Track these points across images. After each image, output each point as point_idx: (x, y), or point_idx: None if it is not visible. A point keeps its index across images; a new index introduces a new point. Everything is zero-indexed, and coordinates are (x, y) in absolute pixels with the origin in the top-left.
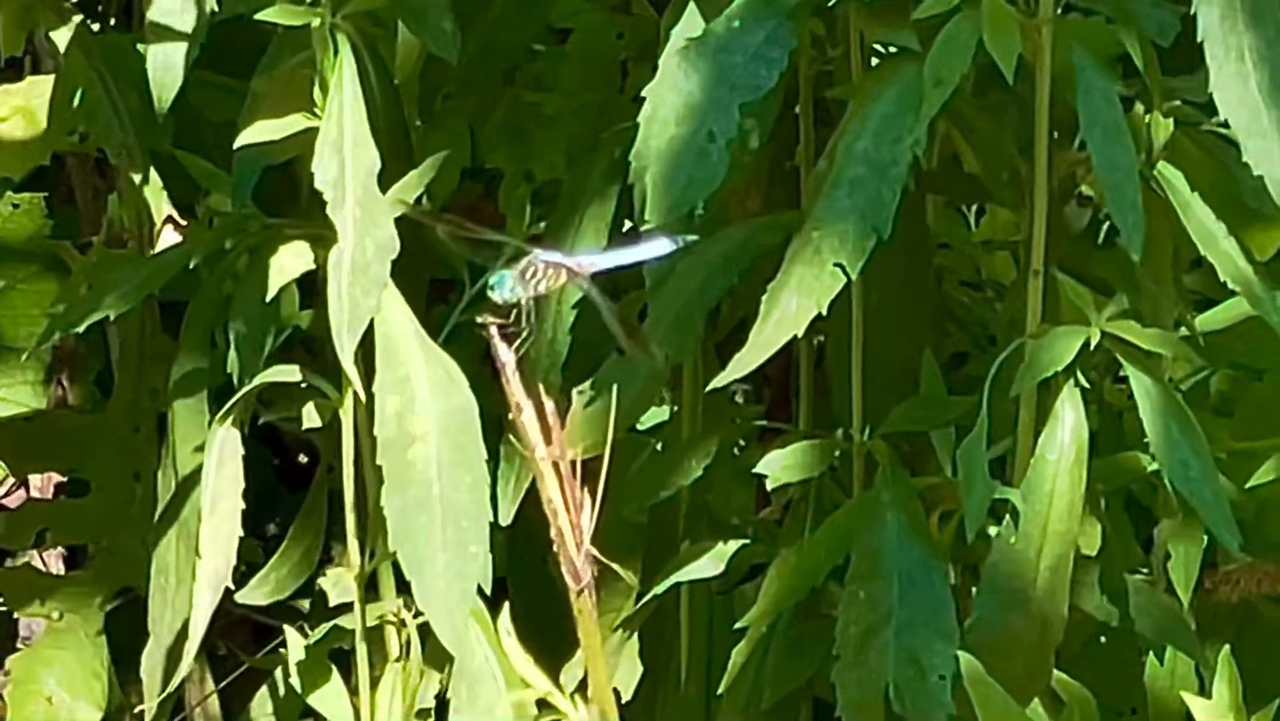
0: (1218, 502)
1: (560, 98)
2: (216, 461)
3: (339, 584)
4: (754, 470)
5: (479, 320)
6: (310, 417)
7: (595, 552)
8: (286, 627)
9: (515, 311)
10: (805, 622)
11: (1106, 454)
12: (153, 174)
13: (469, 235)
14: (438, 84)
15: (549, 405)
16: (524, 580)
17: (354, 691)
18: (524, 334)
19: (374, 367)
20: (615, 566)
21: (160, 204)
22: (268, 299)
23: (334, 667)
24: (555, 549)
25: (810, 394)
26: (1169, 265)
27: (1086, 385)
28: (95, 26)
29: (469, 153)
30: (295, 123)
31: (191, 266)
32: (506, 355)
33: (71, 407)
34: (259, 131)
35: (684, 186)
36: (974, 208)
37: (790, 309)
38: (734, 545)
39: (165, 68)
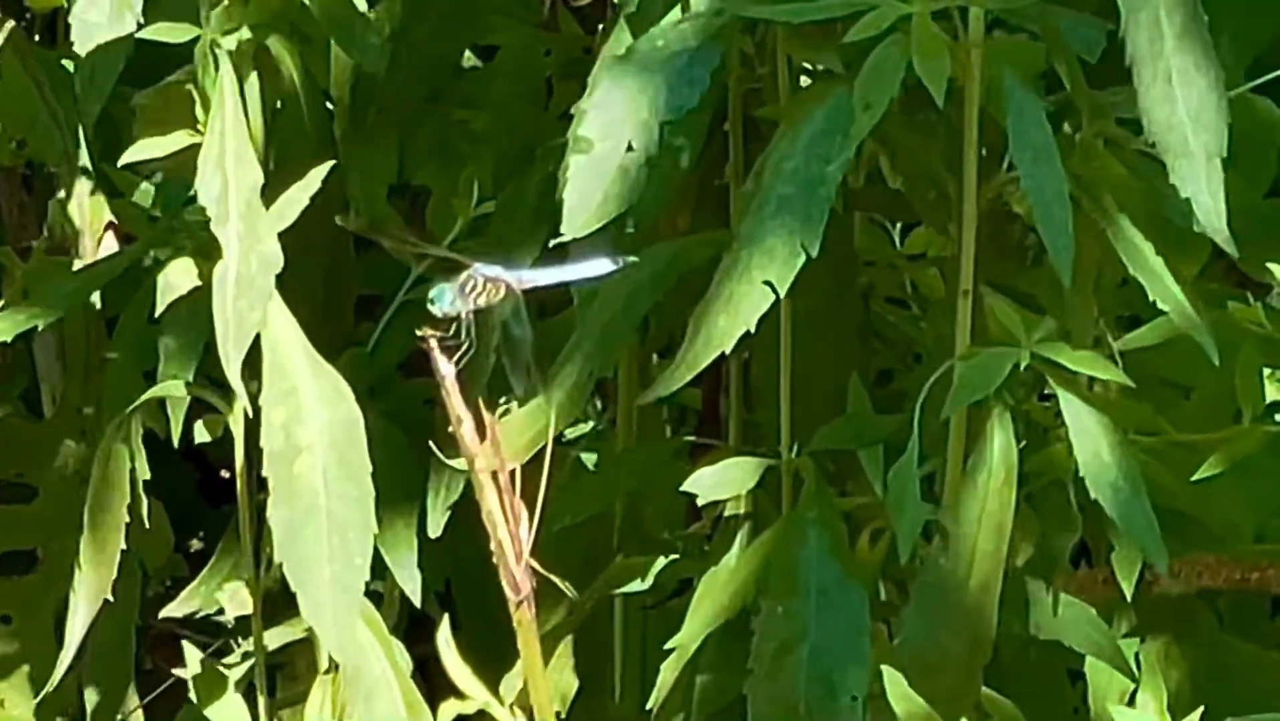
0: (1148, 525)
1: (488, 115)
2: (100, 476)
3: (235, 597)
4: (682, 487)
5: (419, 333)
6: (201, 432)
7: (534, 564)
8: (185, 642)
9: (455, 325)
10: (735, 641)
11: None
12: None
13: (415, 249)
14: (367, 100)
15: (488, 418)
16: (468, 592)
17: (284, 705)
18: (464, 347)
19: None
20: (554, 579)
21: (100, 212)
22: (156, 316)
23: (230, 680)
24: (495, 560)
25: (740, 411)
26: (1092, 284)
27: (1013, 404)
28: None
29: (396, 170)
30: (179, 140)
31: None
32: (446, 368)
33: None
34: (144, 149)
35: (600, 203)
36: (899, 224)
37: (718, 326)
38: (662, 561)
39: (91, 81)
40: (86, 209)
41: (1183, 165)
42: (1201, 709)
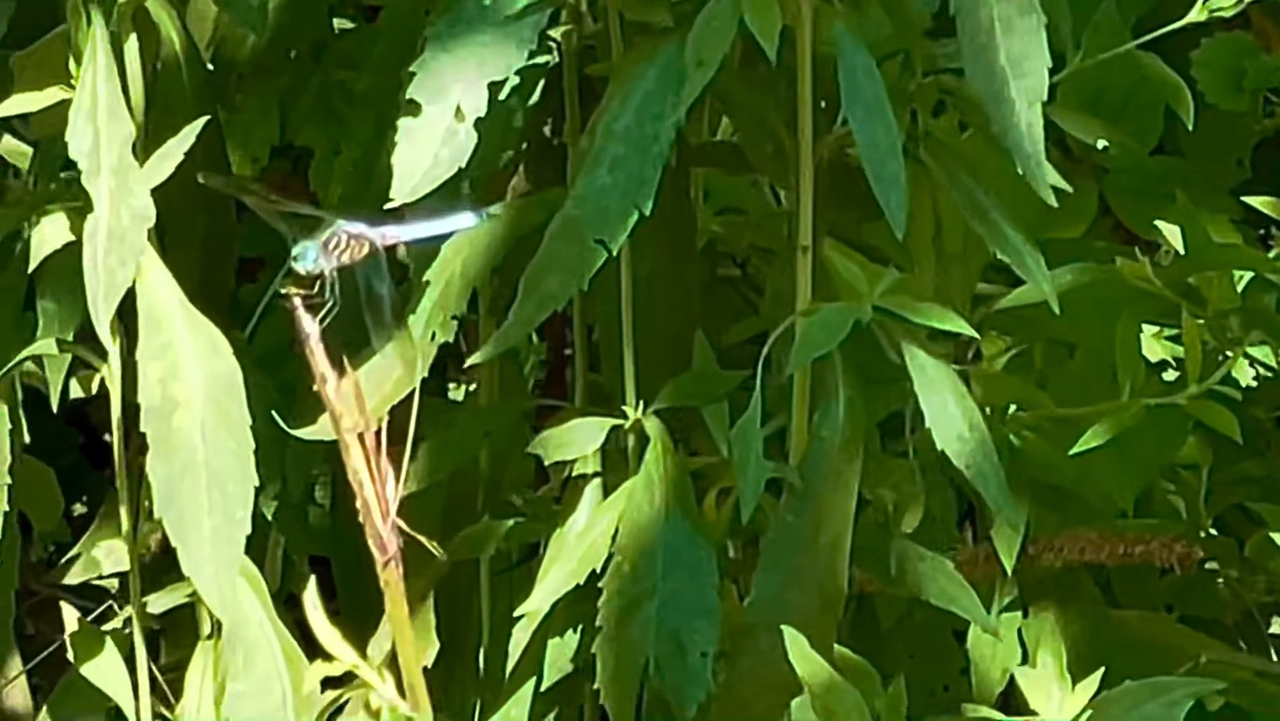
0: (996, 477)
1: (370, 76)
2: None
3: (112, 554)
4: (528, 449)
5: (281, 291)
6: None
7: (401, 524)
8: (63, 603)
9: (319, 283)
10: (585, 603)
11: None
12: None
13: (278, 207)
14: (234, 59)
15: (352, 376)
16: (345, 554)
17: (167, 670)
18: (328, 305)
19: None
20: (421, 539)
21: None
22: (28, 272)
23: (109, 640)
24: (361, 520)
25: (585, 370)
26: (930, 239)
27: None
28: None
29: (278, 130)
30: (52, 95)
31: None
32: (310, 326)
33: None
34: (16, 104)
35: (430, 166)
36: None
37: (551, 286)
38: (510, 523)
39: None
40: None
41: (1004, 113)
42: (1101, 671)
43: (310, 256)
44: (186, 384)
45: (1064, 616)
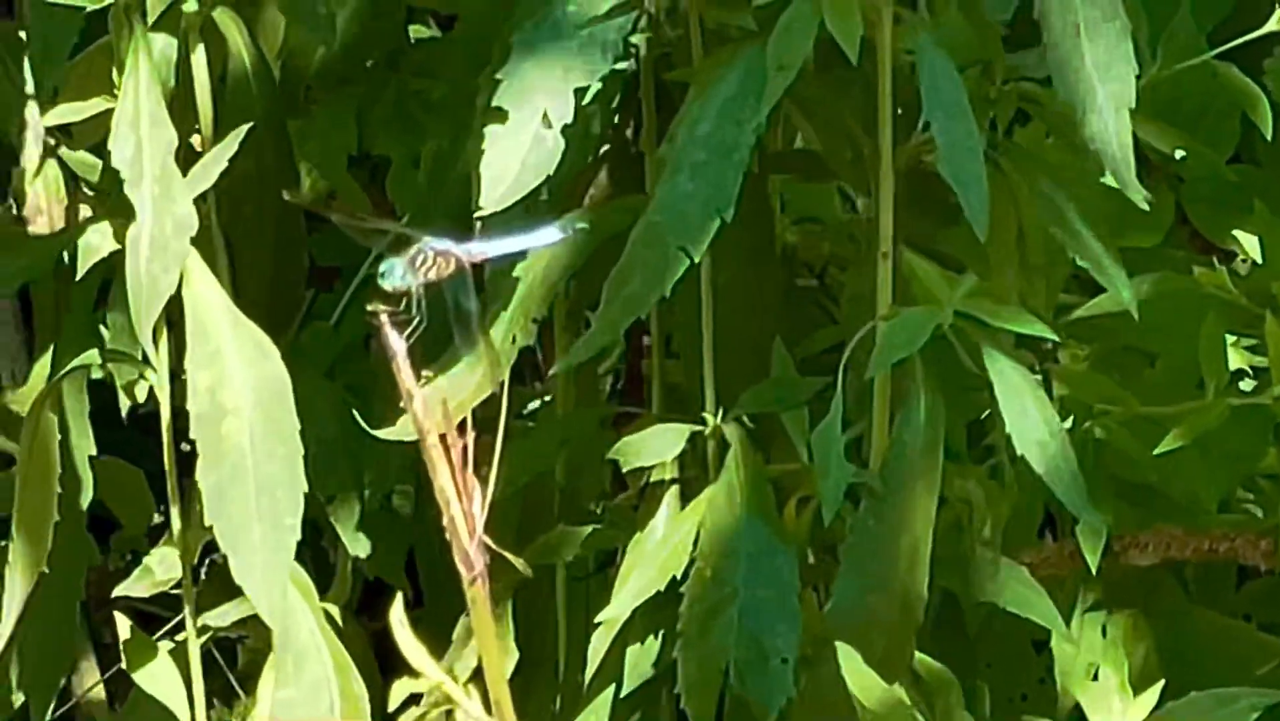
0: (1074, 481)
1: (446, 84)
2: (28, 446)
3: (164, 561)
4: (608, 455)
5: (369, 308)
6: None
7: (488, 540)
8: (116, 612)
9: (405, 299)
10: (665, 609)
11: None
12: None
13: (362, 224)
14: (304, 70)
15: (440, 393)
16: (431, 568)
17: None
18: (414, 322)
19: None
20: (506, 554)
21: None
22: (78, 279)
23: (159, 646)
24: (448, 536)
25: (662, 378)
26: (1014, 244)
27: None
28: None
29: (355, 140)
30: (96, 105)
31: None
32: (397, 343)
33: None
34: (61, 114)
35: (518, 173)
36: None
37: (634, 291)
38: (586, 530)
39: (45, 53)
40: (49, 179)
41: (1092, 119)
42: (1161, 683)
43: (397, 273)
44: (235, 391)
45: (1147, 617)
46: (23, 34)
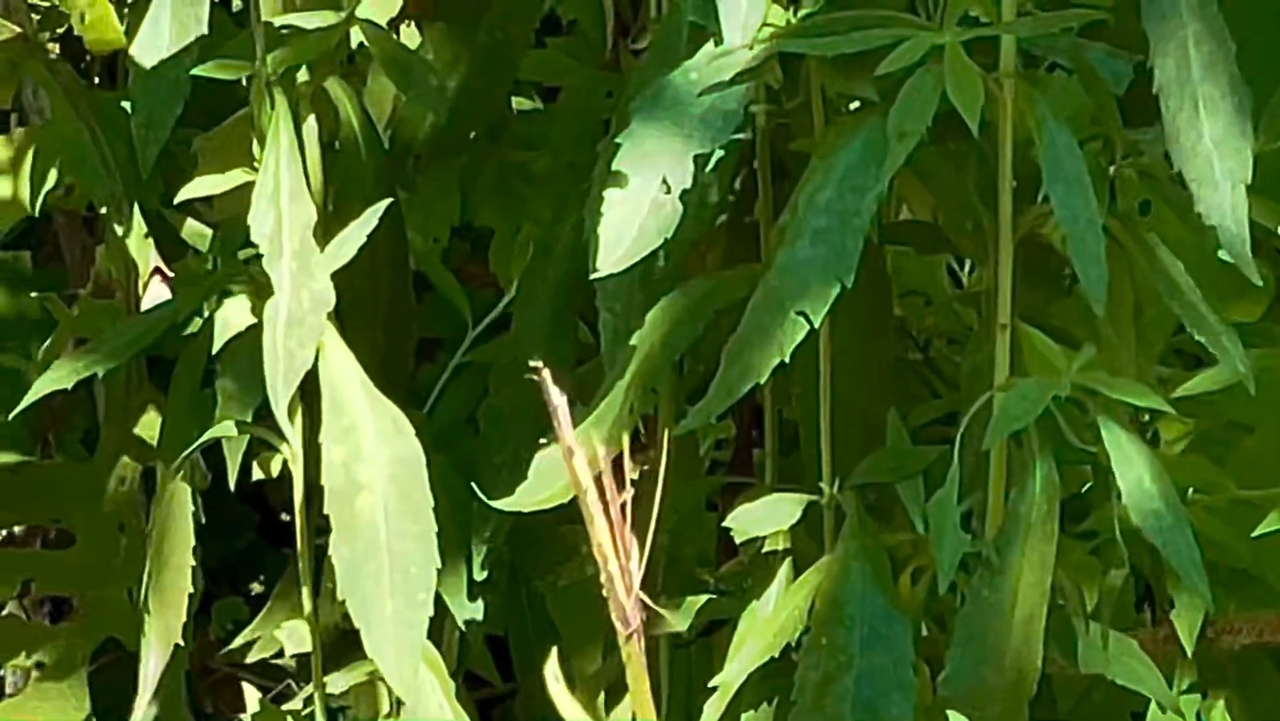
0: (1190, 553)
1: (549, 156)
2: (164, 516)
3: (294, 635)
4: (724, 523)
5: (531, 365)
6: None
7: (645, 597)
8: (244, 682)
9: None
10: (777, 677)
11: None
12: (140, 226)
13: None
14: (413, 140)
15: (600, 449)
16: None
17: None
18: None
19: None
20: (664, 612)
21: (148, 256)
22: (213, 353)
23: (288, 719)
24: (605, 593)
25: (775, 446)
26: (1131, 319)
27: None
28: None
29: (459, 210)
30: (235, 177)
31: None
32: (558, 399)
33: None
34: (200, 186)
35: (635, 238)
36: (967, 262)
37: (753, 357)
38: (700, 599)
39: (149, 123)
40: (140, 254)
41: (1209, 195)
42: None
43: None
44: (370, 466)
45: (1242, 699)
46: (125, 104)
